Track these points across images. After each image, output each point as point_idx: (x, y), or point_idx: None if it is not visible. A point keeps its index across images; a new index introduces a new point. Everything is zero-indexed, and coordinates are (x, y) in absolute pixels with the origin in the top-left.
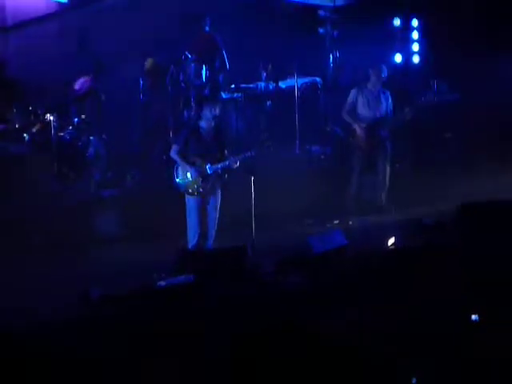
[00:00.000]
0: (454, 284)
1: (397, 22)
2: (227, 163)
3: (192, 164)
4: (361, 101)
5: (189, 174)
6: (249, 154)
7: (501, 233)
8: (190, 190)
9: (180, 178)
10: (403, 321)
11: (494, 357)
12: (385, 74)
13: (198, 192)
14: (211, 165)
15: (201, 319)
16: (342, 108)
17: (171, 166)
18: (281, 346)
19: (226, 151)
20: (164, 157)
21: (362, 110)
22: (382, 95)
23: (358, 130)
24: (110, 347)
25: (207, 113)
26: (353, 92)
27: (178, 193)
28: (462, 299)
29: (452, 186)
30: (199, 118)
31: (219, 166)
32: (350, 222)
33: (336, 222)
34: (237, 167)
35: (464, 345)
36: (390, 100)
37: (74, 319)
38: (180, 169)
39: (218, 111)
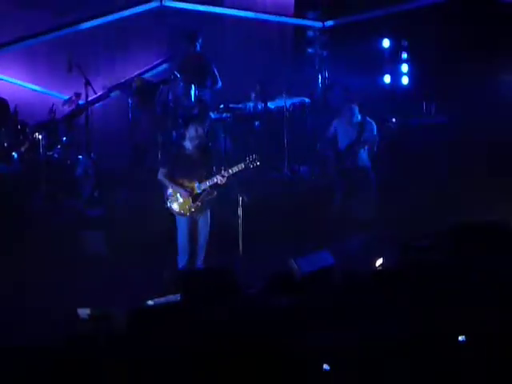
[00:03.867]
0: (442, 305)
1: (386, 43)
2: (215, 180)
3: (181, 185)
4: (340, 134)
5: (179, 195)
6: (235, 168)
7: (489, 253)
8: (182, 211)
9: (171, 200)
10: (391, 341)
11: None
12: (356, 114)
13: (190, 212)
14: (199, 183)
15: (188, 338)
16: (324, 138)
17: (159, 185)
18: (267, 365)
19: (213, 169)
20: (152, 176)
21: (341, 141)
22: (361, 126)
23: (330, 158)
24: (97, 366)
25: (192, 132)
26: (333, 124)
27: (168, 212)
28: (449, 320)
29: (440, 207)
30: (184, 138)
31: (207, 183)
32: (337, 243)
33: (323, 242)
34: (225, 184)
35: (451, 366)
36: (371, 127)
37: (62, 339)
38: (170, 191)
39: (203, 130)
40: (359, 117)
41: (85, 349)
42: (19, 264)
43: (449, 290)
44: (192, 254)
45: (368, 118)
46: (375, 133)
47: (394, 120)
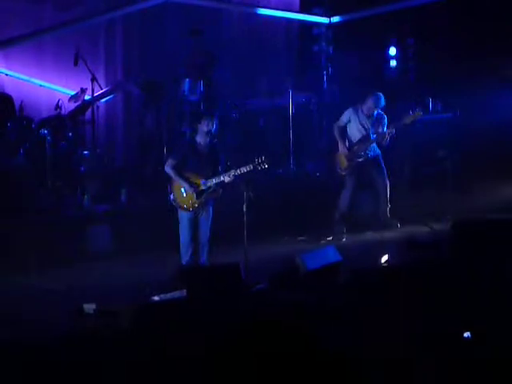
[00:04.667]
0: (447, 301)
1: (392, 38)
2: (221, 178)
3: (187, 179)
4: (353, 123)
5: (183, 190)
6: (243, 169)
7: (493, 250)
8: (185, 206)
9: (174, 193)
10: (396, 338)
11: (486, 374)
12: (382, 103)
13: (193, 207)
14: (205, 180)
15: (193, 335)
16: (335, 122)
17: (165, 181)
18: (273, 362)
19: (219, 167)
20: (158, 172)
21: (353, 132)
22: (375, 121)
23: (341, 147)
24: (103, 363)
25: (204, 127)
26: (347, 112)
27: (172, 208)
28: (454, 316)
29: (445, 203)
30: (195, 132)
31: (213, 180)
32: (344, 239)
33: (329, 238)
34: (231, 182)
35: (457, 362)
36: (384, 125)
37: (67, 334)
38: (174, 184)
39: (213, 126)
40: (377, 111)
41: (90, 344)
42: (24, 259)
43: (454, 287)
44: (194, 249)
45: (381, 112)
46: (385, 128)
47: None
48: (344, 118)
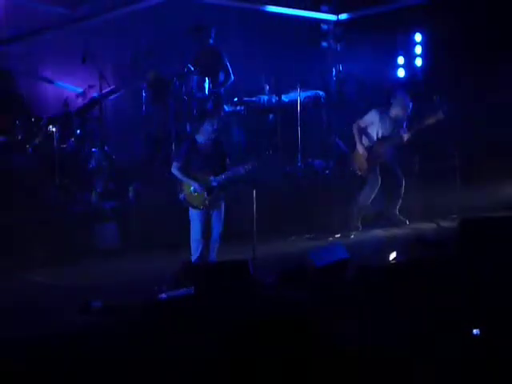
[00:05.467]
0: (455, 299)
1: (400, 36)
2: (230, 173)
3: (195, 178)
4: (375, 125)
5: (192, 189)
6: (251, 162)
7: (500, 248)
8: (196, 204)
9: (184, 192)
10: (404, 335)
11: (495, 371)
12: (410, 108)
13: (204, 205)
14: (214, 177)
15: (202, 332)
16: (355, 121)
17: (173, 178)
18: (281, 359)
19: (227, 162)
20: (166, 169)
21: (375, 133)
22: (399, 125)
23: (360, 148)
24: (110, 359)
25: (208, 127)
26: (372, 114)
27: (181, 205)
28: (463, 314)
29: (453, 201)
30: (197, 132)
31: (223, 176)
32: (352, 236)
33: (337, 235)
34: (240, 179)
35: (465, 359)
36: (404, 125)
37: (75, 331)
38: (184, 184)
39: (216, 126)
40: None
41: (97, 341)
42: (32, 256)
43: (461, 285)
44: (205, 247)
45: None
46: (405, 128)
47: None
48: (367, 119)
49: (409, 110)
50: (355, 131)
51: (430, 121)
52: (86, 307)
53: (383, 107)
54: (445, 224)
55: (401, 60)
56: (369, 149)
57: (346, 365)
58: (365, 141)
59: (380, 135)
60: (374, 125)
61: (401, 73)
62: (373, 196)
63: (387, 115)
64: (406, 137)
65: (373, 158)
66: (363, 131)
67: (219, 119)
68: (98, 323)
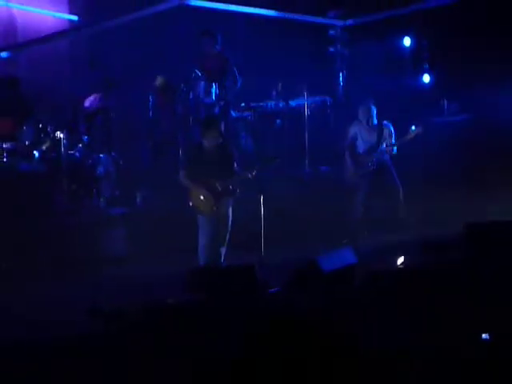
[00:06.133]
0: (463, 303)
1: (407, 41)
2: (237, 179)
3: (202, 184)
4: (359, 136)
5: (200, 195)
6: (258, 168)
7: (507, 253)
8: (204, 210)
9: (193, 199)
10: (416, 340)
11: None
12: (372, 113)
13: (212, 211)
14: (221, 182)
15: (209, 336)
16: (344, 144)
17: (183, 187)
18: (288, 362)
19: (234, 167)
20: (173, 175)
21: (360, 144)
22: (379, 132)
23: (349, 163)
24: (118, 363)
25: (214, 132)
26: (352, 127)
27: (189, 210)
28: (471, 318)
29: (460, 205)
30: (203, 137)
31: (230, 182)
32: (360, 241)
33: (345, 241)
34: (247, 184)
35: (475, 363)
36: (391, 132)
37: (83, 336)
38: (192, 191)
39: (221, 131)
40: (375, 120)
41: (104, 346)
42: (40, 262)
43: (469, 289)
44: (213, 252)
45: (385, 122)
46: (393, 136)
47: (413, 128)
48: (349, 135)
49: (371, 116)
50: (346, 154)
51: (410, 137)
52: (94, 313)
53: (358, 119)
54: (452, 228)
55: (408, 64)
56: (355, 160)
57: (353, 368)
58: (356, 152)
59: (364, 147)
60: (357, 136)
61: (408, 77)
62: (363, 203)
63: (363, 126)
64: (392, 149)
65: (358, 169)
66: (353, 148)
67: (225, 123)
68: (106, 328)
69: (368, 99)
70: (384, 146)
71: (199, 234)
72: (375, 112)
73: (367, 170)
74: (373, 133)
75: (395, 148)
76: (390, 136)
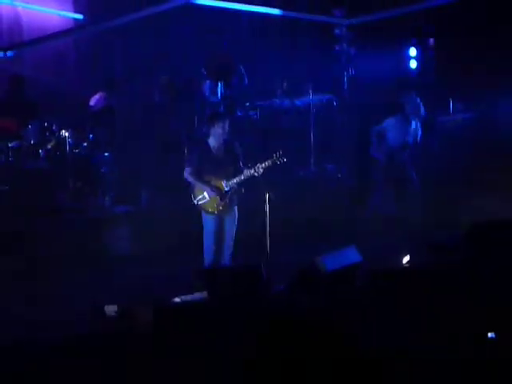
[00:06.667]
0: (468, 303)
1: (412, 40)
2: (242, 177)
3: (207, 183)
4: (392, 130)
5: (206, 194)
6: (262, 164)
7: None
8: (210, 209)
9: (197, 198)
10: (417, 339)
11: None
12: (423, 112)
13: (218, 210)
14: (227, 181)
15: (214, 336)
16: (373, 128)
17: (186, 183)
18: (293, 365)
19: (240, 165)
20: (178, 173)
21: (392, 139)
22: (412, 127)
23: (377, 153)
24: (123, 362)
25: (219, 129)
26: (390, 120)
27: (194, 209)
28: (477, 317)
29: (465, 204)
30: (209, 135)
31: (235, 180)
32: (365, 240)
33: (351, 239)
34: (252, 183)
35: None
36: (418, 129)
37: (88, 335)
38: (196, 189)
39: (227, 128)
40: (423, 112)
41: (111, 345)
42: (45, 261)
43: (475, 288)
44: (218, 252)
45: (413, 117)
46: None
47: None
48: (385, 125)
49: (421, 111)
50: (373, 137)
51: None
52: (99, 311)
53: (399, 114)
54: (456, 229)
55: (413, 63)
56: (389, 156)
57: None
58: (384, 147)
59: (399, 143)
60: (391, 132)
61: (413, 76)
62: (383, 199)
63: (403, 122)
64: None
65: (393, 166)
66: (381, 137)
67: (230, 121)
68: (111, 326)
69: (412, 92)
70: (411, 140)
71: (204, 232)
72: (422, 109)
73: (395, 166)
74: (408, 130)
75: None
76: (418, 130)
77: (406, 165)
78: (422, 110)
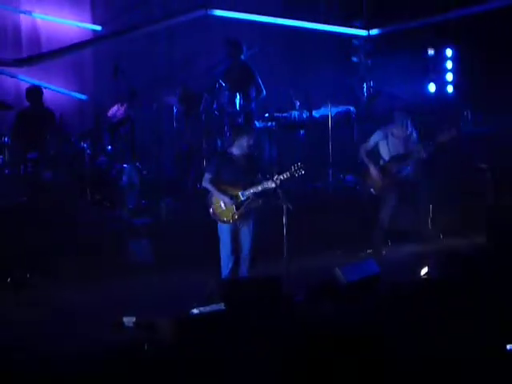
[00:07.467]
0: (488, 314)
1: (431, 51)
2: (260, 188)
3: (225, 192)
4: (383, 144)
5: (222, 203)
6: (281, 176)
7: None
8: (225, 219)
9: (214, 206)
10: (436, 351)
11: None
12: (409, 124)
13: (233, 219)
14: (244, 191)
15: (232, 348)
16: (361, 145)
17: (205, 194)
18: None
19: (258, 177)
20: (198, 185)
21: (385, 151)
22: (407, 139)
23: (372, 169)
24: (142, 374)
25: (243, 142)
26: (376, 135)
27: (212, 221)
28: (496, 329)
29: (485, 215)
30: (232, 145)
31: (251, 190)
32: (384, 252)
33: (369, 251)
34: (270, 194)
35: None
36: (414, 140)
37: (107, 347)
38: (213, 197)
39: (252, 142)
40: (410, 128)
41: (129, 357)
42: (64, 272)
43: (495, 299)
44: (235, 262)
45: (411, 129)
46: (419, 143)
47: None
48: (372, 141)
49: (408, 129)
50: (363, 155)
51: (443, 138)
52: (118, 323)
53: (387, 127)
54: (477, 239)
55: (432, 75)
56: (382, 169)
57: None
58: (381, 160)
59: (390, 154)
60: (381, 145)
61: (431, 88)
62: (391, 215)
63: (392, 135)
64: (422, 154)
65: (387, 177)
66: (371, 152)
67: (254, 135)
68: (130, 339)
69: (402, 107)
70: (410, 152)
71: (220, 243)
72: (409, 121)
73: (393, 179)
74: (400, 141)
75: (424, 154)
76: (417, 143)
77: (407, 177)
78: (408, 124)
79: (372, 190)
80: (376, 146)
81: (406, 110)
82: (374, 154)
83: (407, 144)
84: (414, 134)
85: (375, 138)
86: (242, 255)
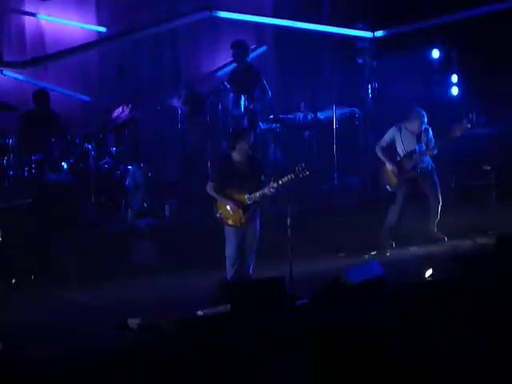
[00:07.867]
0: (493, 316)
1: (435, 53)
2: (265, 191)
3: (230, 197)
4: (398, 141)
5: (228, 208)
6: (286, 178)
7: None
8: (232, 223)
9: (220, 211)
10: (441, 353)
11: None
12: (425, 120)
13: (241, 223)
14: (249, 195)
15: (237, 349)
16: (377, 143)
17: (208, 196)
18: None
19: (262, 179)
20: (201, 186)
21: (400, 148)
22: (421, 135)
23: (388, 165)
24: (147, 376)
25: (244, 144)
26: (390, 131)
27: (217, 222)
28: (501, 331)
29: (490, 217)
30: (233, 149)
31: (257, 194)
32: (388, 253)
33: (373, 253)
34: (275, 196)
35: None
36: (430, 137)
37: (111, 348)
38: (219, 203)
39: (251, 143)
40: (425, 125)
41: (134, 359)
42: (69, 273)
43: (500, 301)
44: (241, 264)
45: (426, 126)
46: (433, 140)
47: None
48: (387, 137)
49: (424, 123)
50: (379, 152)
51: (457, 133)
52: (123, 324)
53: (401, 122)
54: (482, 241)
55: (436, 76)
56: (398, 164)
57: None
58: (397, 156)
59: (405, 151)
60: (396, 141)
61: (436, 89)
62: (400, 213)
63: (406, 129)
64: (434, 151)
65: (401, 173)
66: (387, 149)
67: (255, 136)
68: (135, 340)
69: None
70: (424, 148)
71: (226, 246)
72: (426, 119)
73: (407, 176)
74: (415, 138)
75: (436, 150)
76: (431, 139)
77: (421, 173)
78: (425, 119)
79: (388, 187)
80: (392, 142)
81: (419, 107)
82: (391, 150)
83: (421, 140)
84: (430, 131)
85: (390, 134)
86: (247, 257)
